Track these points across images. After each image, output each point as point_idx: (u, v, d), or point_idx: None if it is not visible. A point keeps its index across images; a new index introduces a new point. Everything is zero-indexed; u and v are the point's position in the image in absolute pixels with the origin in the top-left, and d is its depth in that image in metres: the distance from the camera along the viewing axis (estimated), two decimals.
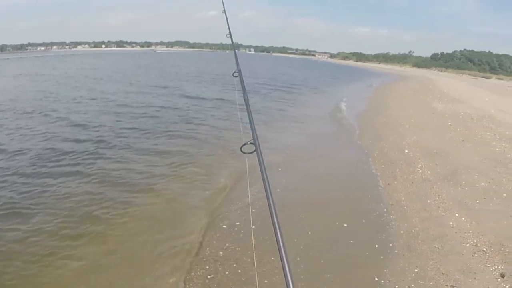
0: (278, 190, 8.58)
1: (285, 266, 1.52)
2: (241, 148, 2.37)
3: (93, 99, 22.79)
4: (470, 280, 5.47)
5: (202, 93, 26.92)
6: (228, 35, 5.50)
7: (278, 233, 1.71)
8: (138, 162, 10.86)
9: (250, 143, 2.35)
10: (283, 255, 1.59)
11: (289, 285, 1.47)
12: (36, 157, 10.95)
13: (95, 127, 14.91)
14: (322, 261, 5.99)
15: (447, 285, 5.37)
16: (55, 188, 8.83)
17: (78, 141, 12.80)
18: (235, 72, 3.86)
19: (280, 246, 1.64)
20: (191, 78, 38.62)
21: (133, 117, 17.22)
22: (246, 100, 3.11)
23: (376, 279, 5.54)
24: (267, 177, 2.04)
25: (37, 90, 26.09)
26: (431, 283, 5.42)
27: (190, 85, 32.09)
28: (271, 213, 1.81)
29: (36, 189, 8.71)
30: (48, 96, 23.62)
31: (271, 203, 1.87)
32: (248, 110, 2.89)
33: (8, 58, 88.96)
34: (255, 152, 2.30)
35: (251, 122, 2.67)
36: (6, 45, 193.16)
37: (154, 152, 11.85)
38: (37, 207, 7.85)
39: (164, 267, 5.95)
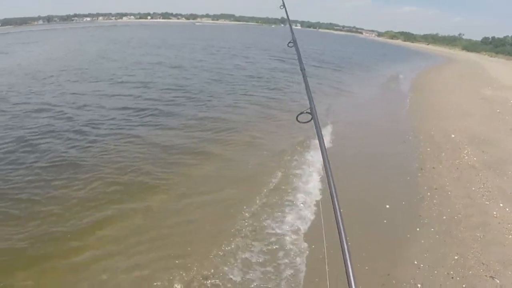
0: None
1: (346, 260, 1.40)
2: (297, 117, 2.26)
3: (153, 63, 24.65)
4: (509, 272, 5.42)
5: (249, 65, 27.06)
6: (282, 7, 5.32)
7: (337, 205, 1.63)
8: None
9: (307, 112, 2.25)
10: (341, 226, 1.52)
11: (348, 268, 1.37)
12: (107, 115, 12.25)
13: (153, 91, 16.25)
14: (361, 241, 5.95)
15: (486, 276, 5.35)
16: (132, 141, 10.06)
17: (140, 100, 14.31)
18: (290, 42, 3.62)
19: (337, 213, 1.58)
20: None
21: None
22: (303, 70, 2.99)
23: (416, 262, 5.57)
24: (325, 147, 1.96)
25: (99, 56, 27.71)
26: (470, 272, 5.41)
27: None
28: (329, 186, 1.73)
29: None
30: (113, 61, 25.46)
31: (330, 177, 1.79)
32: (305, 79, 2.76)
33: (56, 28, 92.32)
34: (312, 121, 2.20)
35: (308, 91, 2.55)
36: (52, 16, 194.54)
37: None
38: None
39: None
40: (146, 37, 56.93)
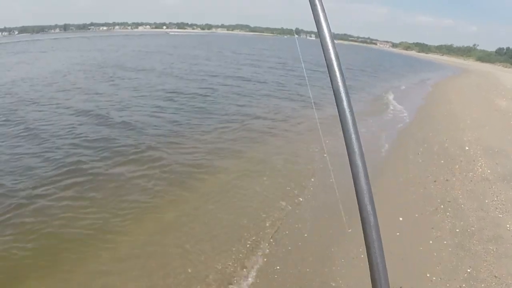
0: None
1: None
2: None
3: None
4: None
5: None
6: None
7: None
8: None
9: None
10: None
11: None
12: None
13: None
14: None
15: None
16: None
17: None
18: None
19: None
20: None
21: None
22: None
23: (428, 275, 5.44)
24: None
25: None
26: (482, 285, 5.25)
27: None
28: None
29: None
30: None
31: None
32: None
33: (84, 37, 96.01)
34: None
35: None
36: (69, 25, 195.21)
37: None
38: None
39: None
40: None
